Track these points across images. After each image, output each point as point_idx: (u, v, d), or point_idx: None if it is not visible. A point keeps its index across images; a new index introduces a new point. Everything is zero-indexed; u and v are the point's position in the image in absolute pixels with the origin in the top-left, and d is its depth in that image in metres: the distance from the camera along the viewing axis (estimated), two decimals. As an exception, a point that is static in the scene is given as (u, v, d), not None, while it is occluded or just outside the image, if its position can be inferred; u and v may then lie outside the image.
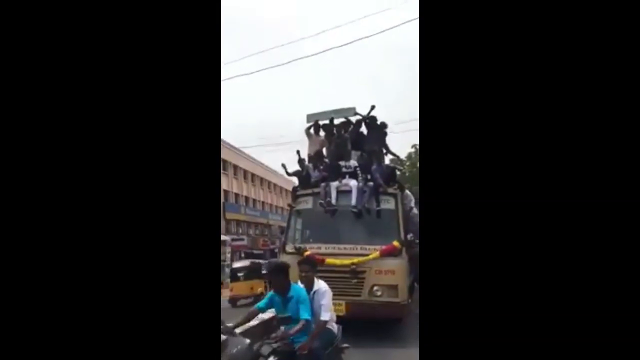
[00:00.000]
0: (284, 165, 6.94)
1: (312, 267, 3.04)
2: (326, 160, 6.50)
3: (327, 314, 2.65)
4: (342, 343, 2.70)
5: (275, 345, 2.22)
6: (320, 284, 2.87)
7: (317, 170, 6.35)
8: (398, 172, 7.27)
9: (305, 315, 2.42)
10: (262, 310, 2.62)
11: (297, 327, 2.35)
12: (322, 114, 7.00)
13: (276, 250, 6.63)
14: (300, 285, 2.74)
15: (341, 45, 32.37)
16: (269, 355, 2.18)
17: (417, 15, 1.54)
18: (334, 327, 2.77)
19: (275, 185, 34.49)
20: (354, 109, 6.91)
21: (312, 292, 2.76)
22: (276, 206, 34.57)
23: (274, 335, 2.34)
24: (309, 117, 7.02)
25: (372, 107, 6.69)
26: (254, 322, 2.68)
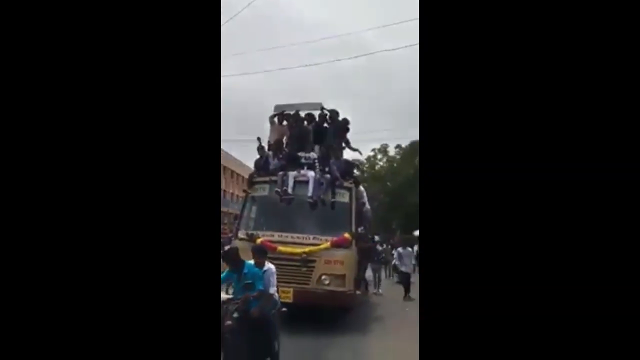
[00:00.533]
0: (259, 139, 6.89)
1: (263, 255, 3.63)
2: (286, 149, 6.55)
3: (273, 288, 3.52)
4: (282, 308, 3.60)
5: (236, 306, 3.06)
6: (269, 265, 3.59)
7: (277, 159, 6.39)
8: (357, 172, 7.46)
9: (259, 286, 3.18)
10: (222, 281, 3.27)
11: (255, 293, 3.13)
12: (289, 105, 7.07)
13: (231, 237, 6.60)
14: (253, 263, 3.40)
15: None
16: (234, 312, 3.03)
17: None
18: (276, 296, 3.58)
19: (238, 174, 34.00)
20: (320, 104, 7.02)
21: (262, 271, 3.42)
22: (237, 195, 34.14)
23: (236, 299, 3.14)
24: (276, 107, 7.08)
25: (337, 113, 6.85)
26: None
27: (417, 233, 18.11)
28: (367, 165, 23.74)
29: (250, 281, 3.13)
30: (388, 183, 24.48)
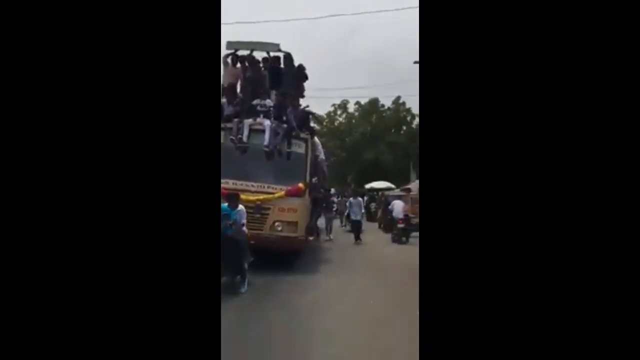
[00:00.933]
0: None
1: (235, 200, 4.80)
2: (240, 95, 6.37)
3: (243, 221, 4.80)
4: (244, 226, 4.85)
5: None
6: (241, 206, 4.84)
7: (231, 105, 6.20)
8: (314, 123, 7.43)
9: (234, 217, 4.69)
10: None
11: (230, 222, 4.61)
12: (244, 44, 6.71)
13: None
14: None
15: None
16: (231, 225, 4.58)
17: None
18: (245, 229, 4.86)
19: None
20: (278, 45, 6.76)
21: (236, 210, 4.73)
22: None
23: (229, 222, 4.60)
24: (229, 45, 6.64)
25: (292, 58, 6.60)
26: None
27: (367, 186, 18.88)
28: (326, 120, 23.75)
29: (226, 213, 4.56)
30: (346, 139, 24.79)
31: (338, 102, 25.32)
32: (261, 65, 6.61)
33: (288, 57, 6.63)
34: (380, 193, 16.41)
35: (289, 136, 6.02)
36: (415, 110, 24.67)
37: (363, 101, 25.29)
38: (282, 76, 6.58)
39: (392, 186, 18.06)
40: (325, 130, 21.32)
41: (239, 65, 6.67)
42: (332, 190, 13.23)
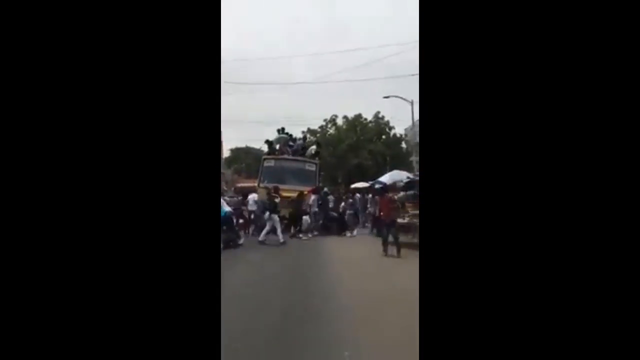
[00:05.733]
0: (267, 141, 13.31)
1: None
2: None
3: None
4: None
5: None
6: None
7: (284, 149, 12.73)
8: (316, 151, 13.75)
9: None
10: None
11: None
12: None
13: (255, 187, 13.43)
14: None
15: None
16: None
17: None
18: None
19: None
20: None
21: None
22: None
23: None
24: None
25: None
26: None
27: (352, 186, 24.32)
28: (319, 133, 30.01)
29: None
30: (337, 148, 30.84)
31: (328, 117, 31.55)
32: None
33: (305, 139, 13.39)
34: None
35: (307, 162, 12.32)
36: (392, 122, 31.11)
37: (349, 115, 31.44)
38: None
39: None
40: (318, 141, 27.68)
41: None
42: (325, 189, 19.06)
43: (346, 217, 11.70)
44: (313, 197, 11.80)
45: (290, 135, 13.95)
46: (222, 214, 8.51)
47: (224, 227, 8.75)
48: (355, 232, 11.33)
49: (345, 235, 11.00)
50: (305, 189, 11.65)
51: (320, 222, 11.46)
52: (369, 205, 12.28)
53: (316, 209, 11.39)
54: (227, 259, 6.64)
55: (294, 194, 11.38)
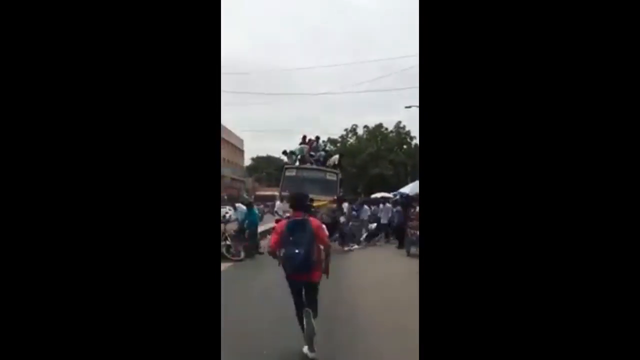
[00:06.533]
0: (285, 151, 13.31)
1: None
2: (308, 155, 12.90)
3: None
4: None
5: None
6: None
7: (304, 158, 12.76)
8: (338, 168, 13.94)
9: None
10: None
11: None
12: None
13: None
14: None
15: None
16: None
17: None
18: None
19: (227, 141, 38.46)
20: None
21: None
22: (228, 160, 39.00)
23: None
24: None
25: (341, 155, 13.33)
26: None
27: (372, 196, 24.37)
28: (339, 143, 30.03)
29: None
30: (357, 157, 30.76)
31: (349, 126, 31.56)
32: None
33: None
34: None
35: (328, 172, 12.22)
36: (413, 132, 30.83)
37: (370, 125, 31.39)
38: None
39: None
40: (338, 151, 27.73)
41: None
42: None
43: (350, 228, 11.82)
44: (346, 205, 11.74)
45: (318, 139, 13.82)
46: (254, 216, 9.08)
47: (250, 233, 8.96)
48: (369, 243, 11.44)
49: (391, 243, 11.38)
50: (327, 199, 11.67)
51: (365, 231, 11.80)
52: (380, 215, 12.29)
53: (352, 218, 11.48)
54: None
55: (321, 203, 11.49)
